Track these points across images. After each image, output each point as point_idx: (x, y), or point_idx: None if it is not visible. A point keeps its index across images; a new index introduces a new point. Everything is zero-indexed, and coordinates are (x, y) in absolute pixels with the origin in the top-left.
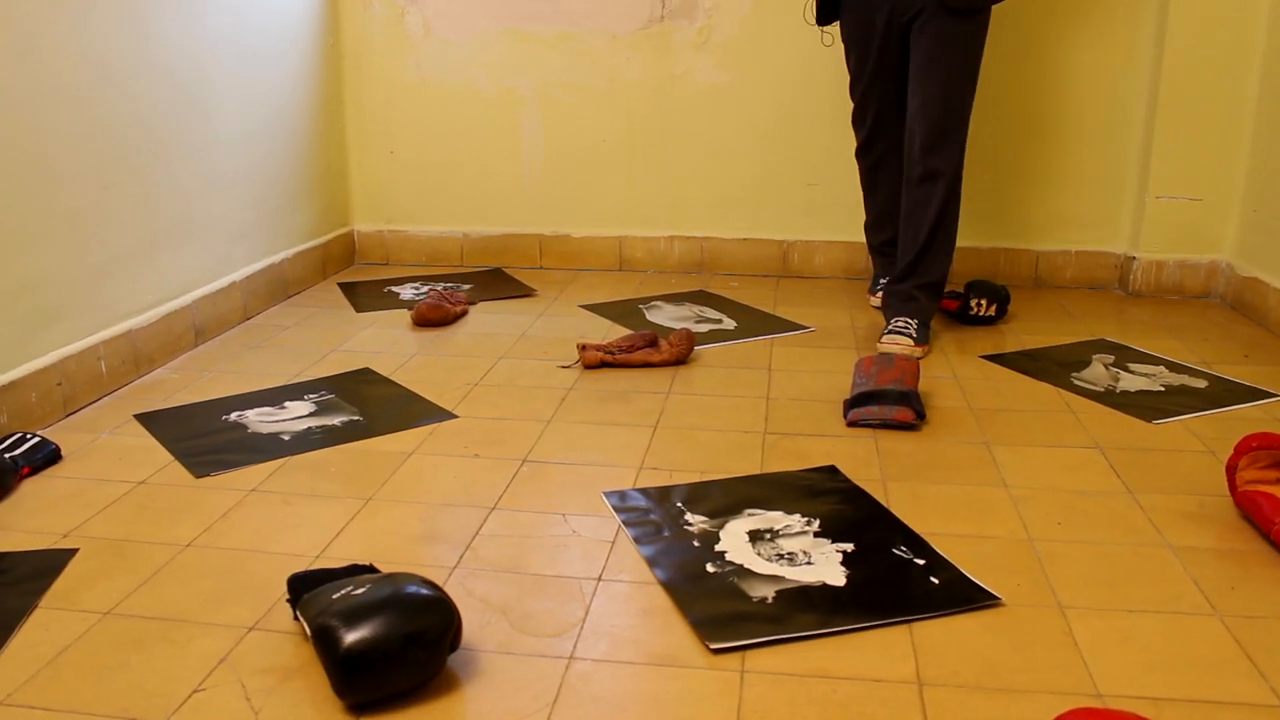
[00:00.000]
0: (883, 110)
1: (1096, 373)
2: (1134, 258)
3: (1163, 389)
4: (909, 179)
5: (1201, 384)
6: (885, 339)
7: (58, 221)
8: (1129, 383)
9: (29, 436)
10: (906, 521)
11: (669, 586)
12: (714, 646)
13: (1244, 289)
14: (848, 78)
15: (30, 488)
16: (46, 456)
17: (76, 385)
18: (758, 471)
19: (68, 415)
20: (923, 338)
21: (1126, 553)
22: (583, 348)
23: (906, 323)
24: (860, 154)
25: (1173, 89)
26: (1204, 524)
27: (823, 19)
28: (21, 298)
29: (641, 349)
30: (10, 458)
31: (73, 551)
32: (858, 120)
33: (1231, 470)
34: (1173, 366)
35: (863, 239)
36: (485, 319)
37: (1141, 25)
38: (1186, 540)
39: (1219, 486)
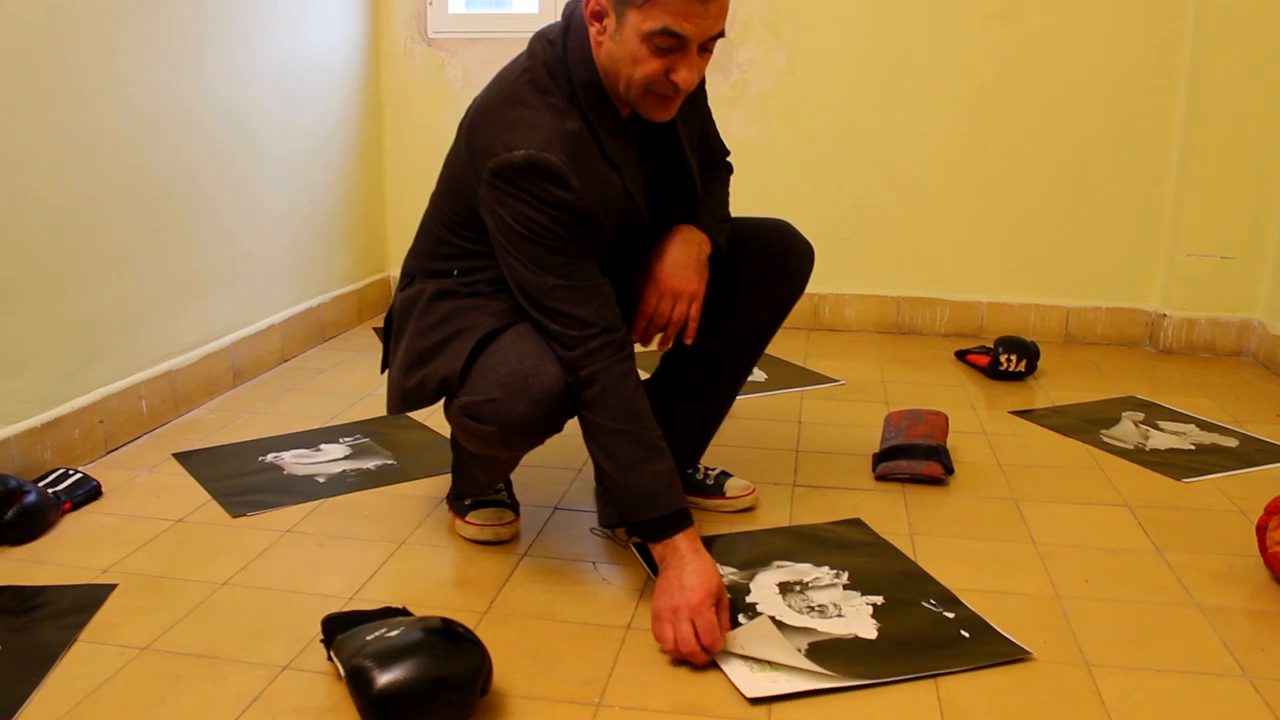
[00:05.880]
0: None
1: (1126, 430)
2: (1165, 315)
3: (1193, 447)
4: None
5: (1232, 443)
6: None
7: (104, 264)
8: (1159, 441)
9: (71, 472)
10: (934, 575)
11: None
12: (751, 696)
13: (1276, 347)
14: (861, 137)
15: (71, 523)
16: (88, 493)
17: (117, 423)
18: (787, 524)
19: (108, 453)
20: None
21: (1155, 612)
22: None
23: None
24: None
25: (1204, 147)
26: (1233, 584)
27: None
28: (68, 338)
29: None
30: (53, 493)
31: (111, 587)
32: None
33: (1262, 531)
34: (1203, 425)
35: (894, 293)
36: None
37: (1173, 83)
38: (1215, 600)
39: (1249, 547)
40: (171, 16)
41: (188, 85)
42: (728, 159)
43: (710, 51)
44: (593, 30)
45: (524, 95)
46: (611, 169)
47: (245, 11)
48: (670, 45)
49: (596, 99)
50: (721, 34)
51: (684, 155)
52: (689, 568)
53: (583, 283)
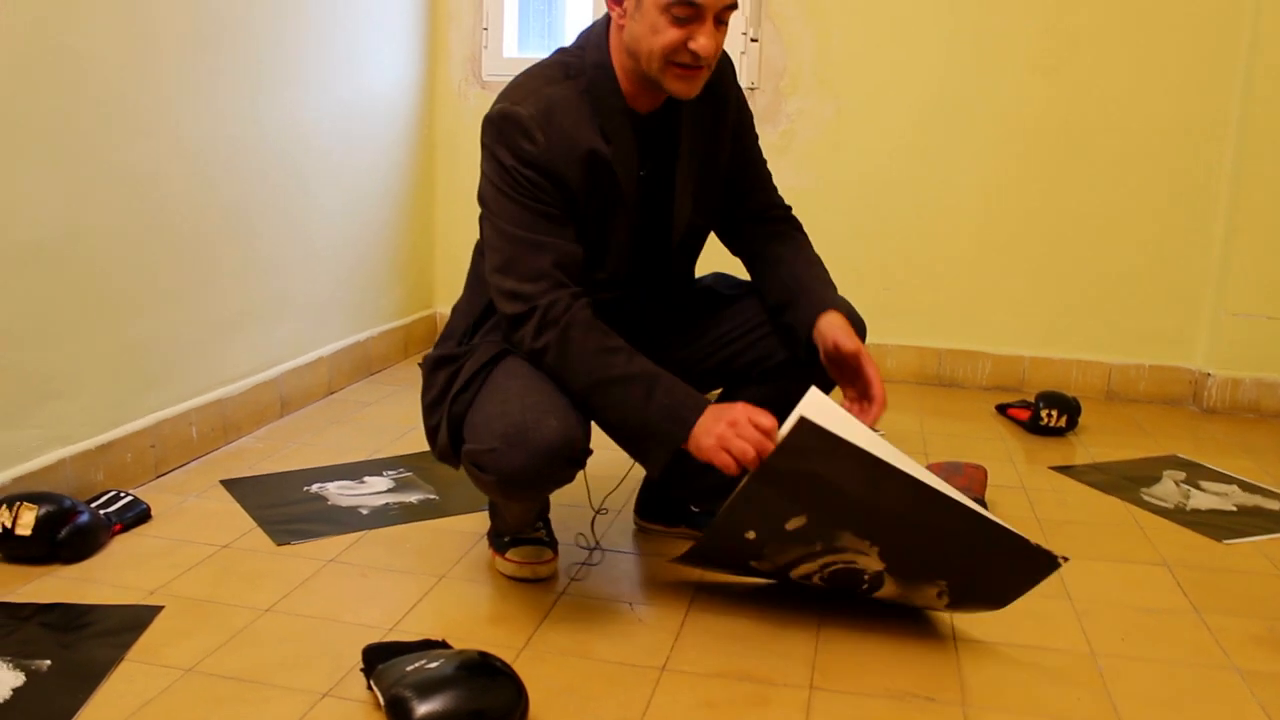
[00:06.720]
0: None
1: (1167, 489)
2: (1209, 374)
3: (1235, 509)
4: None
5: (1276, 505)
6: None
7: (160, 295)
8: (1200, 501)
9: (122, 495)
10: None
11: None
12: (803, 415)
13: None
14: (905, 189)
15: (120, 544)
16: (137, 515)
17: (168, 449)
18: None
19: (158, 477)
20: None
21: (1192, 673)
22: None
23: None
24: None
25: (1251, 206)
26: (1273, 649)
27: None
28: (123, 365)
29: None
30: (105, 514)
31: (158, 608)
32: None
33: None
34: (1246, 486)
35: (936, 344)
36: None
37: (1221, 140)
38: (1254, 664)
39: None
40: (233, 57)
41: (246, 124)
42: (791, 213)
43: (725, 24)
44: (614, 15)
45: (529, 70)
46: (600, 139)
47: (306, 52)
48: (688, 15)
49: (603, 78)
50: (734, 5)
51: (679, 161)
52: (708, 417)
53: (541, 238)
